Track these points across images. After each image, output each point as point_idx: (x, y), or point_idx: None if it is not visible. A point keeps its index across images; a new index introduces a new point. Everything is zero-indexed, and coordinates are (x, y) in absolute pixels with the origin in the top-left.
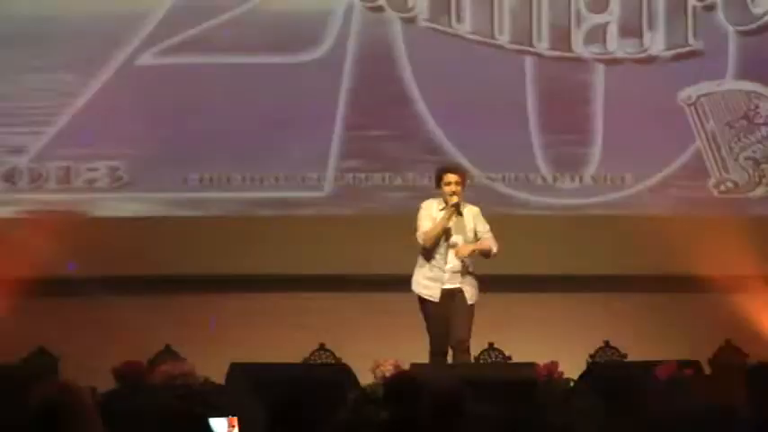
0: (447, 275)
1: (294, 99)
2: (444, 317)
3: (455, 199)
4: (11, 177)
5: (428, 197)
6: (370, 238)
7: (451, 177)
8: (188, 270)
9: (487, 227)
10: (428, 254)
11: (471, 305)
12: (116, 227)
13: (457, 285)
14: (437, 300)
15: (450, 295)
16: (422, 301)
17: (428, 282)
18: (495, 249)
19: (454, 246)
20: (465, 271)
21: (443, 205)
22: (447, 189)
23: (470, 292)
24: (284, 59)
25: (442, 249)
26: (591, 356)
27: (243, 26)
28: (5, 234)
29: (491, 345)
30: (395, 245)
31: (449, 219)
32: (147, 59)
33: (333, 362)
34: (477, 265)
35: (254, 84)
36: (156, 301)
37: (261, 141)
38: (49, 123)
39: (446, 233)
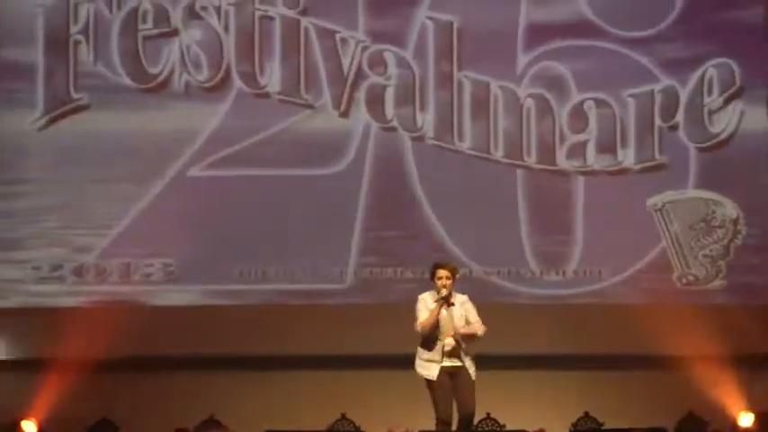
0: (444, 357)
1: (320, 205)
2: (446, 391)
3: (444, 292)
4: (79, 272)
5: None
6: (385, 322)
7: (442, 272)
8: (228, 350)
9: (475, 312)
10: (425, 340)
11: (474, 381)
12: (168, 314)
13: (457, 364)
14: (434, 378)
15: (451, 373)
16: (425, 379)
17: (425, 363)
18: (480, 333)
19: (446, 334)
20: (462, 352)
21: (437, 297)
22: (438, 283)
23: (472, 369)
24: (312, 172)
25: (437, 336)
26: (573, 425)
27: (277, 144)
28: (75, 320)
29: (488, 415)
30: (406, 328)
31: (440, 309)
32: (195, 172)
33: (353, 429)
34: (477, 345)
35: (286, 192)
36: (201, 376)
37: (291, 241)
38: (111, 226)
39: (438, 322)
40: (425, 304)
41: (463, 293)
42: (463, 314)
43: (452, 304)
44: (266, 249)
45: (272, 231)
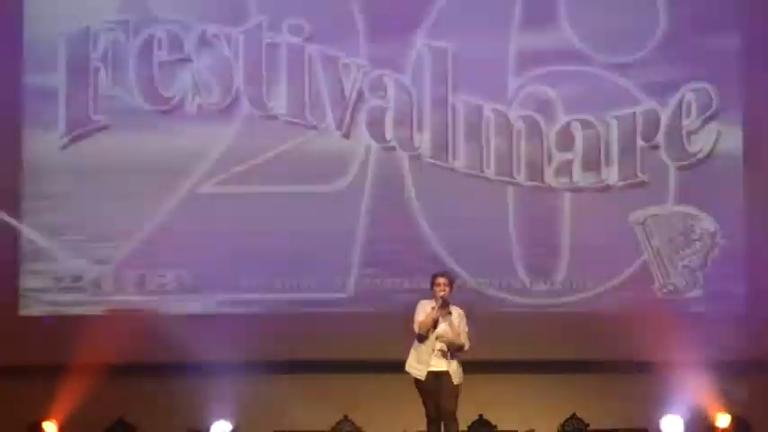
0: (433, 360)
1: (324, 220)
2: (433, 392)
3: (441, 294)
4: (98, 283)
5: (431, 297)
6: (385, 329)
7: (440, 280)
8: (238, 356)
9: (466, 328)
10: (420, 341)
11: (457, 385)
12: (181, 322)
13: (443, 369)
14: (423, 378)
15: (438, 376)
16: (414, 379)
17: (417, 364)
18: (466, 347)
19: (441, 337)
20: (448, 357)
21: (435, 302)
22: (437, 289)
23: (455, 374)
24: (316, 189)
25: (430, 339)
26: (561, 425)
27: (283, 162)
28: (93, 327)
29: (481, 416)
30: (404, 335)
31: (436, 312)
32: (207, 189)
33: (354, 430)
34: (468, 352)
35: (292, 208)
36: (212, 380)
37: (298, 253)
38: (128, 240)
39: (434, 324)
40: (424, 308)
41: (460, 307)
42: (458, 324)
43: (450, 313)
44: (273, 261)
45: (278, 244)
